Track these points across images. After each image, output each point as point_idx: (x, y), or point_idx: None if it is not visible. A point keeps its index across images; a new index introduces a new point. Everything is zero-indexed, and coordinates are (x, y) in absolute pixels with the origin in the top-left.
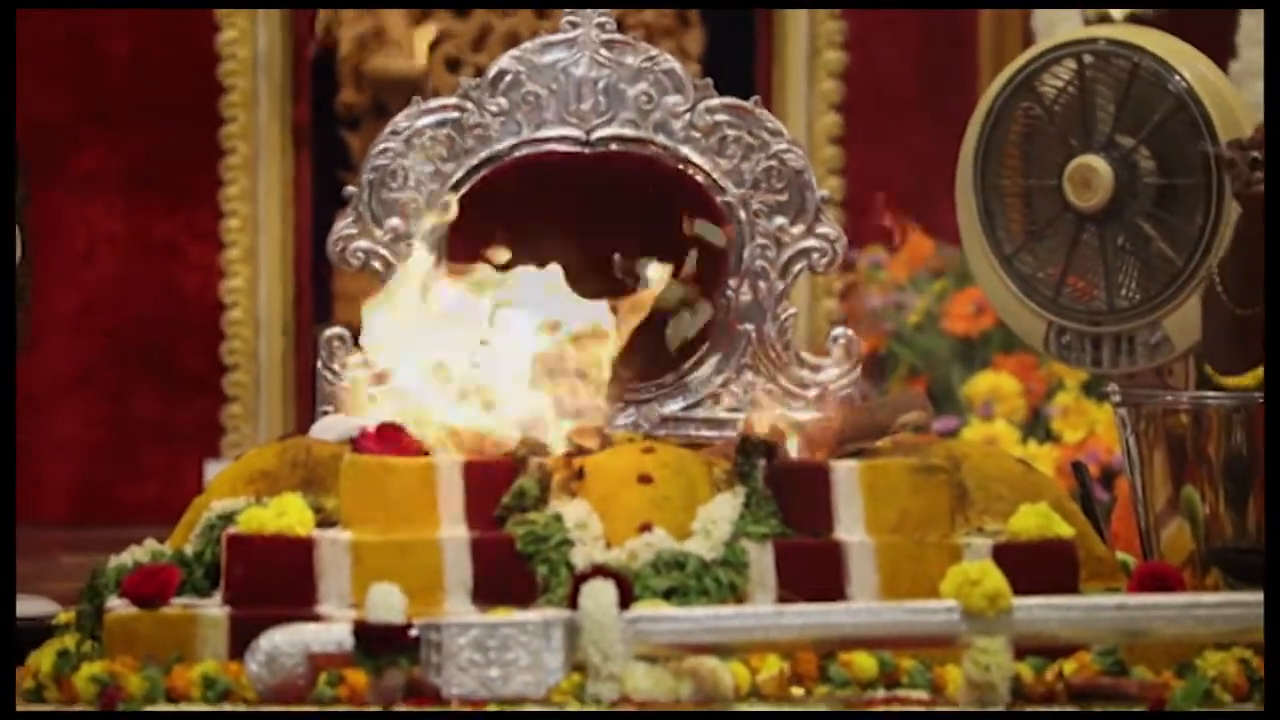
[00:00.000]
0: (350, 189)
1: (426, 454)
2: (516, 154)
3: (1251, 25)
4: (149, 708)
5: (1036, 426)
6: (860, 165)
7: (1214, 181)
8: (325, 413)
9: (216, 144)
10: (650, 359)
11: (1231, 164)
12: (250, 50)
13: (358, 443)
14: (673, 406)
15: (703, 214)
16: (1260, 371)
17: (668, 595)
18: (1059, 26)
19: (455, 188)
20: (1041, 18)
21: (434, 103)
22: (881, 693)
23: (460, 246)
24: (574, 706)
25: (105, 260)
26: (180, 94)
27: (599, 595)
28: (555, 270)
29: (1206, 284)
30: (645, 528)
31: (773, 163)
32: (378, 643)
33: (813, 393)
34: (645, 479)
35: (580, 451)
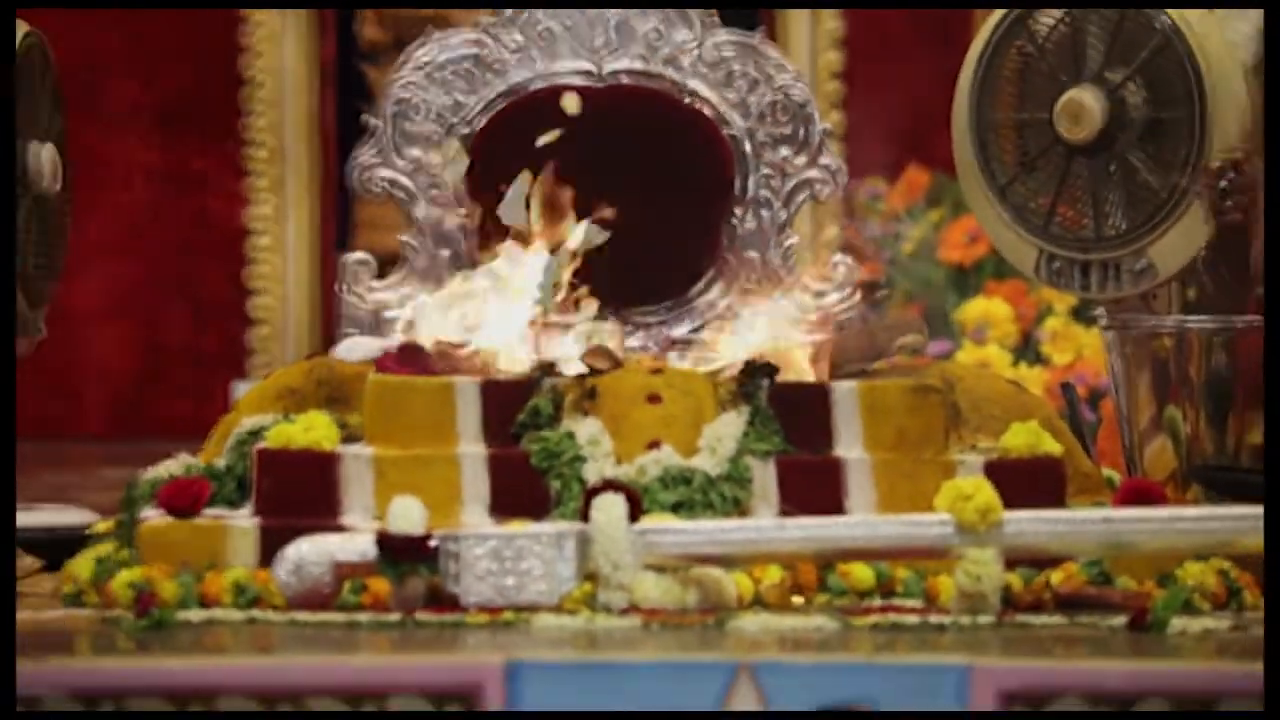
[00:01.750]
0: (372, 120)
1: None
2: (532, 87)
3: None
4: (182, 612)
5: (1027, 350)
6: (861, 99)
7: (1198, 114)
8: (349, 334)
9: (242, 78)
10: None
11: (1202, 195)
12: None
13: (380, 362)
14: (680, 329)
15: (708, 144)
16: None
17: (675, 509)
18: None
19: (472, 121)
20: None
21: (454, 38)
22: (878, 601)
23: (479, 175)
24: (585, 614)
25: (140, 190)
26: (210, 30)
27: (609, 508)
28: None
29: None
30: (653, 445)
31: (777, 96)
32: (399, 553)
33: (814, 316)
34: (654, 398)
35: (593, 371)
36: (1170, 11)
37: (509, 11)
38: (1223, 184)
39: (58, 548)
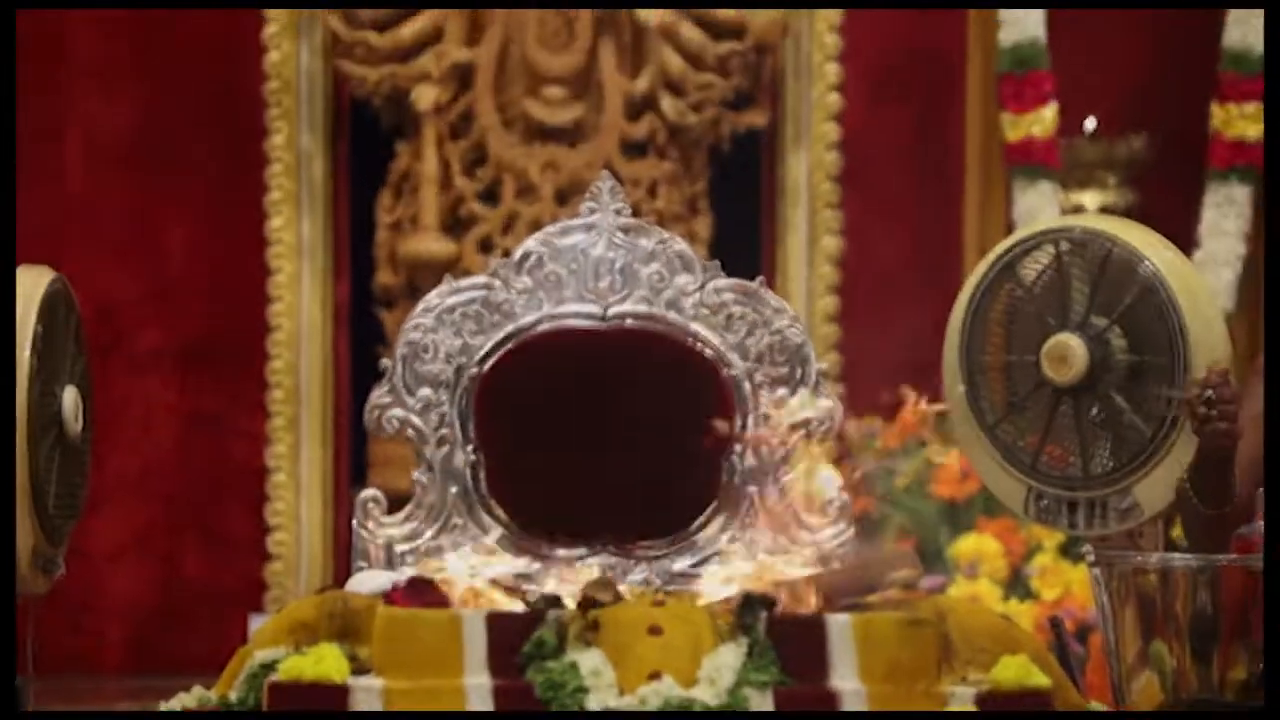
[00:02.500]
0: (385, 362)
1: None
2: (539, 328)
3: (1212, 218)
4: None
5: (1017, 585)
6: (856, 342)
7: (1177, 360)
8: (361, 568)
9: (264, 321)
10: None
11: (1187, 406)
12: (295, 236)
13: (390, 596)
14: (682, 563)
15: (708, 384)
16: None
17: None
18: (1039, 215)
19: (480, 361)
20: (1022, 208)
21: (464, 281)
22: None
23: (486, 416)
24: None
25: (161, 431)
26: (231, 277)
27: None
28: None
29: (1179, 491)
30: (655, 676)
31: (775, 338)
32: None
33: (809, 551)
34: (655, 630)
35: (596, 604)
36: (1151, 259)
37: (516, 256)
38: (1207, 396)
39: None
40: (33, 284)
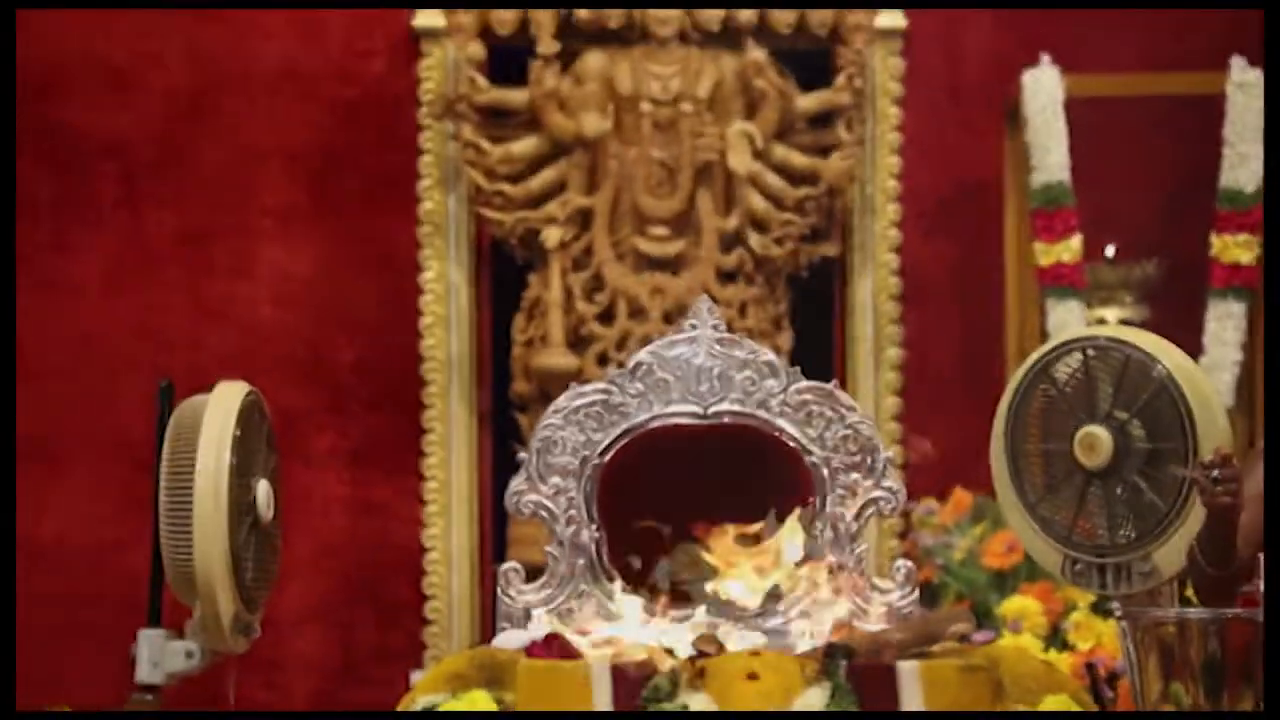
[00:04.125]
0: (522, 455)
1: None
2: (650, 425)
3: (1213, 330)
4: None
5: (1055, 638)
6: (915, 435)
7: (1188, 446)
8: (504, 628)
9: (419, 425)
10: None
11: (1197, 482)
12: (445, 354)
13: (530, 650)
14: (773, 622)
15: (792, 470)
16: None
17: None
18: (1068, 327)
19: (602, 454)
20: (1054, 321)
21: (586, 388)
22: None
23: (607, 499)
24: None
25: (336, 517)
26: (393, 389)
27: None
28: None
29: (1191, 556)
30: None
31: (848, 431)
32: None
33: (881, 610)
34: (753, 676)
35: (702, 655)
36: (1163, 362)
37: (629, 366)
38: (1214, 474)
39: None
40: (232, 396)
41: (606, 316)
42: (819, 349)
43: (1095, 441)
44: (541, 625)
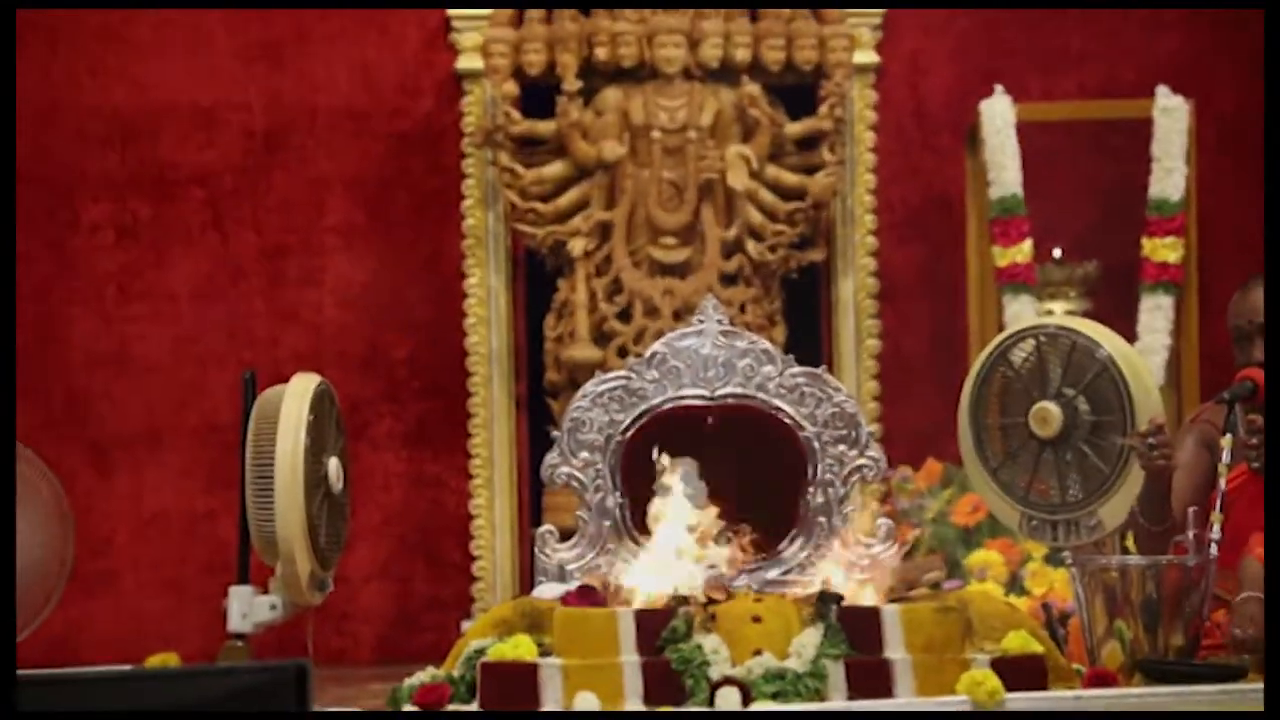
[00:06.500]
0: (555, 434)
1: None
2: (665, 406)
3: (1145, 319)
4: None
5: (1015, 584)
6: (892, 413)
7: (1127, 418)
8: (540, 581)
9: (465, 411)
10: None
11: (1135, 449)
12: (487, 349)
13: (565, 599)
14: (773, 573)
15: (788, 444)
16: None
17: (774, 697)
18: (1022, 319)
19: (624, 431)
20: (1009, 314)
21: (609, 375)
22: None
23: (629, 470)
24: None
25: (395, 489)
26: (442, 379)
27: (728, 697)
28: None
29: (1131, 512)
30: (757, 652)
31: (835, 410)
32: None
33: (866, 561)
34: (757, 619)
35: (712, 601)
36: (1105, 346)
37: (646, 355)
38: (1149, 441)
39: None
40: (305, 385)
41: (625, 315)
42: (808, 340)
43: (1047, 415)
44: (573, 579)
